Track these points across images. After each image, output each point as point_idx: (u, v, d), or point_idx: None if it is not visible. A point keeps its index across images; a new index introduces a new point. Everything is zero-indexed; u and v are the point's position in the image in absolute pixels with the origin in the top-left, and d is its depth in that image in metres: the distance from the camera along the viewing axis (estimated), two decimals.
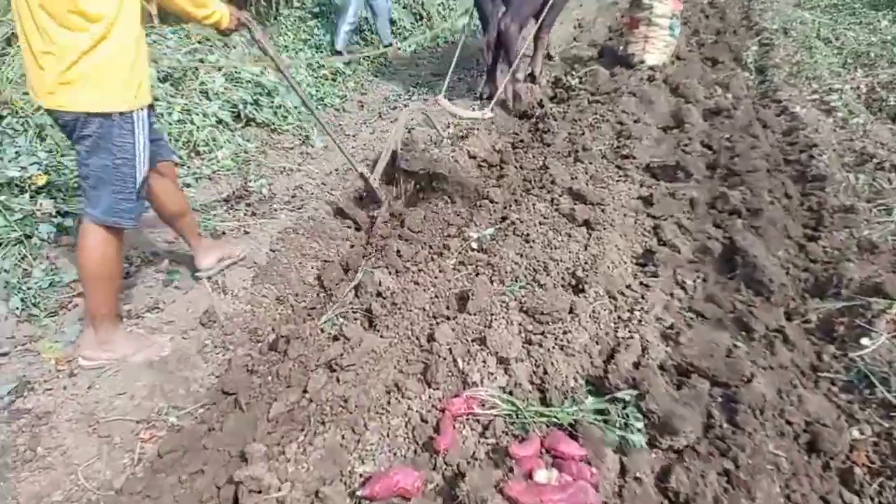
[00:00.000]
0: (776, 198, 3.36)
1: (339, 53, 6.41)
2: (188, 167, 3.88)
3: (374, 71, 6.19)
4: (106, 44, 1.85)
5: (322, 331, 2.29)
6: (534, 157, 3.80)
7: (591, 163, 3.66)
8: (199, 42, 5.05)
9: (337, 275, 2.85)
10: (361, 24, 6.74)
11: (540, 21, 5.07)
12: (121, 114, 1.94)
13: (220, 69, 4.72)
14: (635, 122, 4.34)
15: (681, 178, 3.51)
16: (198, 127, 4.10)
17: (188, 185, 3.66)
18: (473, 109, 4.64)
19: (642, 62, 5.80)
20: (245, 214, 3.32)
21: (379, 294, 2.49)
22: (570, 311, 2.30)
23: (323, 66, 6.07)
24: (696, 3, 9.04)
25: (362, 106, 5.23)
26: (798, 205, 3.40)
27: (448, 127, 4.54)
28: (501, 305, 2.34)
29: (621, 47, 6.59)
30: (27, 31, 1.81)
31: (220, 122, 4.26)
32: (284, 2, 7.53)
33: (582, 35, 7.65)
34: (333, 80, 5.83)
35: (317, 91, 5.21)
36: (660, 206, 3.15)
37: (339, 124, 4.82)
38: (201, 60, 4.69)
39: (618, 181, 3.48)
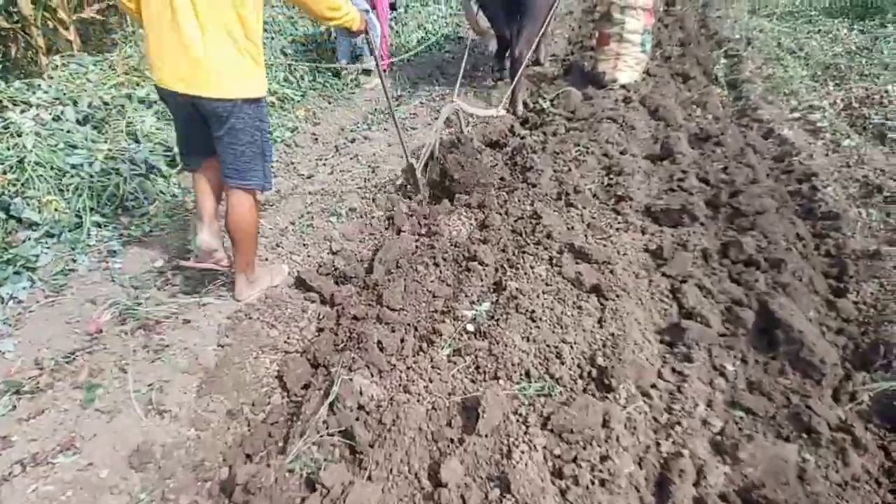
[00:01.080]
0: (791, 243, 3.01)
1: (368, 72, 6.01)
2: (114, 227, 3.27)
3: (327, 97, 5.64)
4: None
5: (291, 472, 1.77)
6: (519, 200, 3.35)
7: (584, 207, 3.24)
8: (126, 73, 4.41)
9: (303, 372, 2.33)
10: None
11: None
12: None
13: (151, 104, 4.11)
14: (622, 153, 3.96)
15: (686, 222, 3.14)
16: (125, 178, 3.49)
17: (113, 254, 3.06)
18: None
19: (614, 81, 5.47)
20: (184, 293, 2.75)
21: (361, 408, 1.99)
22: (604, 425, 1.85)
23: (269, 93, 5.48)
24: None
25: (316, 139, 4.69)
26: (814, 249, 3.07)
27: (468, 125, 4.60)
28: (518, 421, 1.88)
29: (588, 64, 6.29)
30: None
31: (151, 169, 3.66)
32: None
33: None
34: (282, 107, 5.26)
35: None
36: (674, 263, 2.75)
37: (291, 162, 4.27)
38: (128, 96, 4.07)
39: (618, 229, 3.07)
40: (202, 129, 2.38)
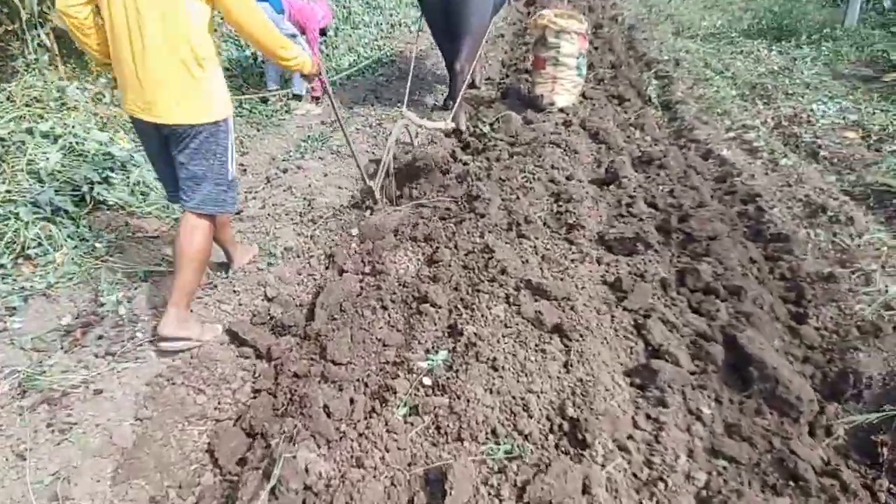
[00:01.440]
0: (746, 268, 2.96)
1: (298, 97, 5.71)
2: (13, 281, 2.87)
3: (255, 124, 5.33)
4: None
5: None
6: (468, 232, 3.17)
7: (537, 237, 3.09)
8: (27, 105, 3.98)
9: (238, 444, 2.03)
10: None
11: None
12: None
13: (56, 139, 3.70)
14: (568, 178, 3.86)
15: (640, 249, 3.03)
16: (26, 223, 3.09)
17: (12, 311, 2.67)
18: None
19: (552, 104, 5.42)
20: (96, 356, 2.40)
21: (308, 488, 1.72)
22: (584, 492, 1.66)
23: None
24: None
25: (244, 170, 4.37)
26: (769, 273, 3.02)
27: (416, 136, 4.68)
28: (491, 495, 1.66)
29: (524, 87, 6.25)
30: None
31: (57, 211, 3.26)
32: None
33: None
34: None
35: None
36: (634, 296, 2.62)
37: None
38: (30, 130, 3.65)
39: (574, 261, 2.93)
40: (168, 156, 2.41)
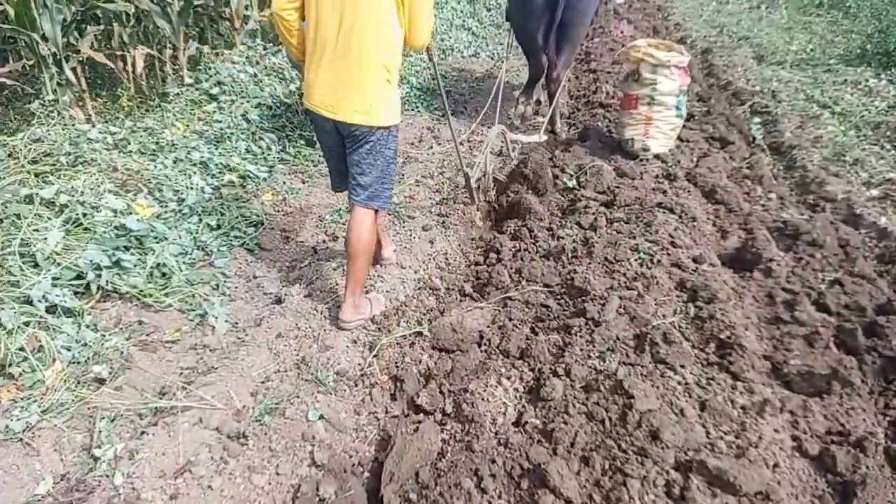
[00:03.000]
0: None
1: None
2: None
3: (300, 173, 4.61)
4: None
5: None
6: (582, 350, 2.35)
7: (683, 365, 2.25)
8: (34, 162, 3.34)
9: None
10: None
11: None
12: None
13: (61, 209, 3.03)
14: (695, 260, 3.01)
15: (835, 389, 2.16)
16: (9, 330, 2.40)
17: None
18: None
19: (646, 150, 4.57)
20: None
21: None
22: None
23: (227, 169, 4.47)
24: None
25: (287, 237, 3.63)
26: None
27: (513, 150, 4.81)
28: None
29: (604, 124, 5.42)
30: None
31: (52, 309, 2.57)
32: (172, 76, 5.89)
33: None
34: (243, 187, 4.22)
35: (198, 233, 3.47)
36: (866, 493, 1.75)
37: (254, 276, 3.21)
38: (30, 198, 2.99)
39: (747, 410, 2.07)
40: (343, 151, 2.61)
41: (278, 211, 4.00)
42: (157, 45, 5.73)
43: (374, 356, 2.52)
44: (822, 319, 2.57)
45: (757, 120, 5.64)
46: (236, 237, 3.51)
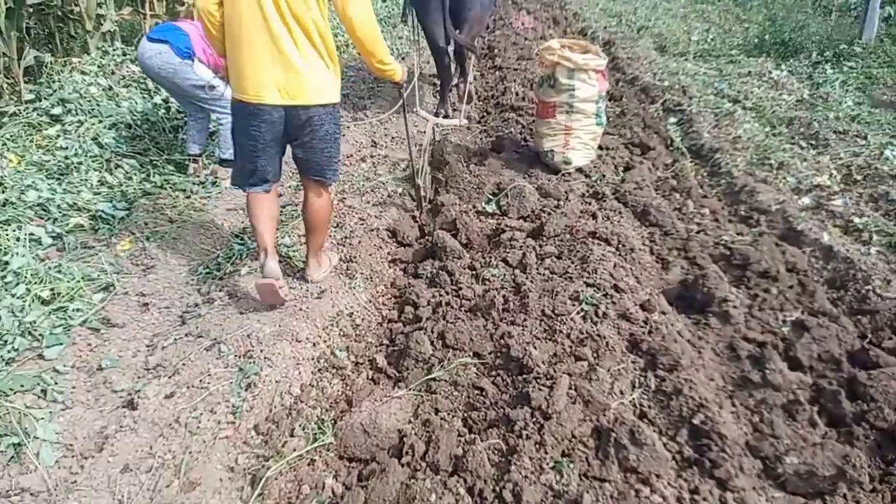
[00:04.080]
0: None
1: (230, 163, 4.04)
2: None
3: (167, 210, 3.82)
4: None
5: None
6: (532, 460, 1.83)
7: (657, 475, 1.78)
8: None
9: None
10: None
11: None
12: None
13: None
14: (644, 307, 2.57)
15: (840, 489, 1.76)
16: None
17: None
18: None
19: (567, 163, 4.15)
20: None
21: None
22: None
23: (74, 210, 3.61)
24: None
25: (146, 304, 2.89)
26: None
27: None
28: None
29: (520, 133, 4.96)
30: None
31: None
32: (7, 92, 4.84)
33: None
34: (95, 234, 3.42)
35: (23, 311, 2.68)
36: None
37: (99, 367, 2.47)
38: None
39: None
40: (279, 147, 2.68)
41: (137, 265, 3.23)
42: None
43: (259, 494, 1.87)
44: (798, 380, 2.20)
45: (672, 120, 5.39)
46: (77, 311, 2.73)
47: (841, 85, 5.95)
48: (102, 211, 3.67)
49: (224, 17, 2.43)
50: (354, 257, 3.22)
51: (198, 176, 4.19)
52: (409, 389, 2.24)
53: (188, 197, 4.01)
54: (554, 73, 4.03)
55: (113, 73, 5.02)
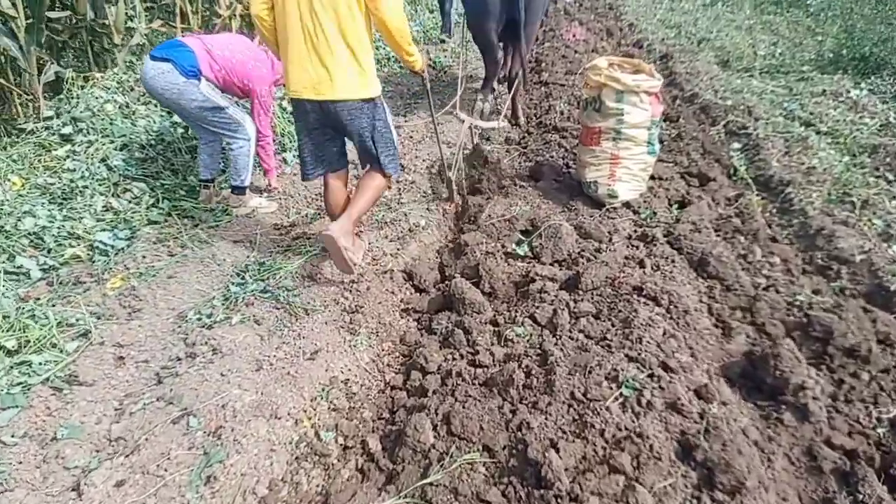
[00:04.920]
0: None
1: (241, 191, 3.94)
2: None
3: (169, 241, 3.52)
4: None
5: None
6: None
7: None
8: None
9: None
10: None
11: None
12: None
13: None
14: (698, 394, 2.08)
15: None
16: None
17: None
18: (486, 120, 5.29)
19: (613, 196, 3.66)
20: None
21: None
22: None
23: (73, 239, 3.36)
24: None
25: (122, 358, 2.57)
26: None
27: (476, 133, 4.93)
28: None
29: (562, 158, 4.50)
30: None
31: None
32: (27, 109, 4.69)
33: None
34: (89, 266, 3.16)
35: (15, 342, 2.44)
36: None
37: (54, 437, 2.14)
38: None
39: None
40: (330, 139, 2.90)
41: (124, 306, 2.92)
42: (7, 69, 4.53)
43: None
44: None
45: (736, 145, 4.80)
46: (43, 366, 2.42)
47: None
48: (101, 241, 3.40)
49: (276, 21, 2.63)
50: (361, 307, 2.83)
51: (209, 203, 3.89)
52: (400, 496, 1.82)
53: (196, 225, 3.72)
54: (600, 95, 3.56)
55: (132, 89, 4.80)
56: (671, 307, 2.54)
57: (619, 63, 3.70)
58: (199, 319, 2.81)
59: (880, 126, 5.01)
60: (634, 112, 3.50)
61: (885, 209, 3.62)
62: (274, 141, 4.88)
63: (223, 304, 2.89)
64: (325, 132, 2.84)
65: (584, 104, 3.77)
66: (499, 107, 5.86)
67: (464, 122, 4.44)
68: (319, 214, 3.90)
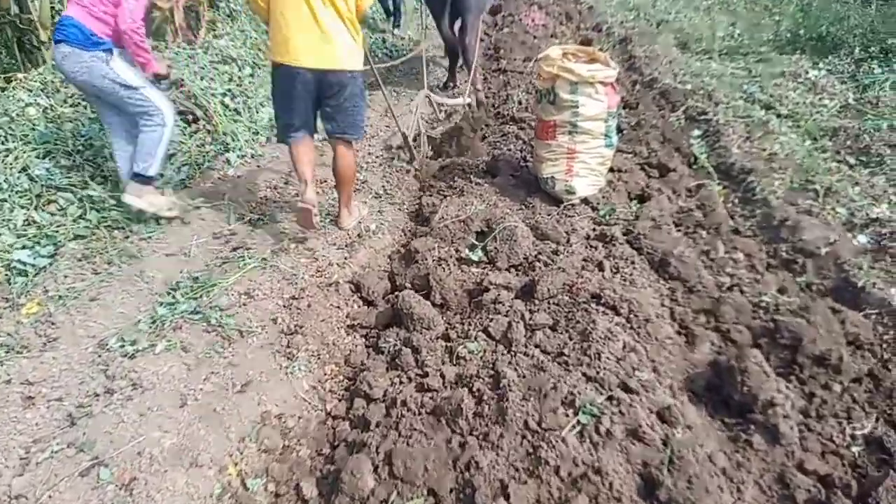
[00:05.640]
0: None
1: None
2: None
3: (95, 257, 3.24)
4: None
5: None
6: None
7: None
8: None
9: None
10: None
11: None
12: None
13: None
14: (663, 419, 1.92)
15: None
16: None
17: None
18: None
19: (571, 192, 3.49)
20: None
21: None
22: None
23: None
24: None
25: (31, 397, 2.30)
26: None
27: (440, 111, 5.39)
28: None
29: (520, 153, 4.31)
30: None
31: None
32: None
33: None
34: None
35: None
36: None
37: None
38: None
39: None
40: (312, 105, 3.06)
41: (39, 335, 2.64)
42: None
43: None
44: None
45: (696, 132, 4.68)
46: None
47: (892, 86, 5.18)
48: (20, 260, 3.11)
49: None
50: (301, 326, 2.60)
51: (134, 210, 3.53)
52: None
53: (126, 237, 3.43)
54: (554, 87, 3.38)
55: (59, 90, 4.45)
56: (631, 316, 2.38)
57: (573, 52, 3.51)
58: (122, 347, 2.54)
59: (840, 107, 4.94)
60: (590, 104, 3.32)
61: (848, 196, 3.52)
62: (216, 140, 4.58)
63: (149, 329, 2.64)
64: (307, 99, 2.99)
65: (538, 96, 3.58)
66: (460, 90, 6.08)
67: (428, 97, 4.83)
68: (262, 220, 3.65)
